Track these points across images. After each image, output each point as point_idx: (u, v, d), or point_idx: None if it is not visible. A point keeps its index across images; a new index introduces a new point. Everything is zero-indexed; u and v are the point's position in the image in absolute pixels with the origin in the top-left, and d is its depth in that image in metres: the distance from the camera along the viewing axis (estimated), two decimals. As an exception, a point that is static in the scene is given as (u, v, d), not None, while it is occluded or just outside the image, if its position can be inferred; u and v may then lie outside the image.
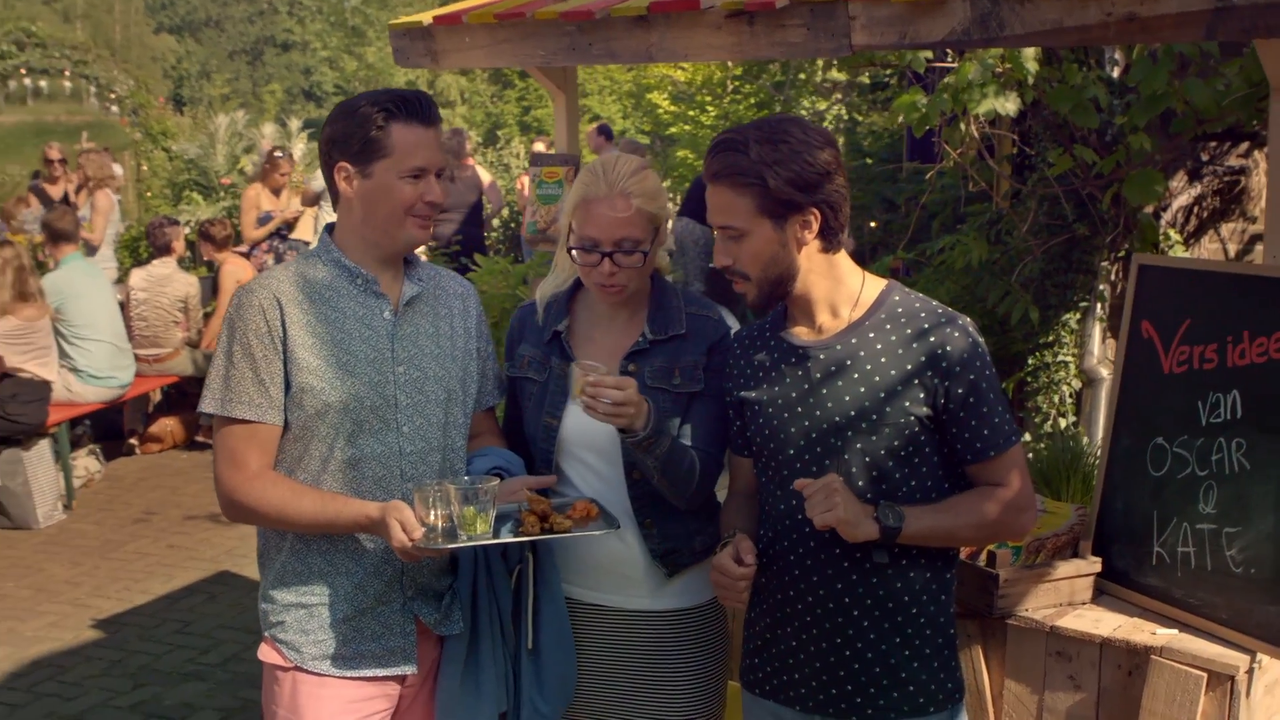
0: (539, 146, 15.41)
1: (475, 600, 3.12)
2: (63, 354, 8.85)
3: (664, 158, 20.66)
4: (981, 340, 2.80)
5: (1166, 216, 5.86)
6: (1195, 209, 6.02)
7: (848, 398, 2.80)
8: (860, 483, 2.80)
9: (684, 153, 19.54)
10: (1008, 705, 3.37)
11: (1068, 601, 3.39)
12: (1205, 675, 3.08)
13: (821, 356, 2.84)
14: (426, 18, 4.26)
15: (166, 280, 9.95)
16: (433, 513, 2.84)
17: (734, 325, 3.21)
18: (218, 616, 6.88)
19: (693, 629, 3.24)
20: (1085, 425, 5.94)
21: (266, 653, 3.12)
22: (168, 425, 10.36)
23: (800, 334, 2.90)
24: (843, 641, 2.85)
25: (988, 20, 3.07)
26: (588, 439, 3.16)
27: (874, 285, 2.89)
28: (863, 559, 2.81)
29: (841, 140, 17.07)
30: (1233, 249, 6.10)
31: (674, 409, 3.14)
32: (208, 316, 10.52)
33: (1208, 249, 6.10)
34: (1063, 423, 5.91)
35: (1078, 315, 5.85)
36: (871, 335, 2.81)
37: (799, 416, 2.86)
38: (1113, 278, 5.90)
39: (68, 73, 19.86)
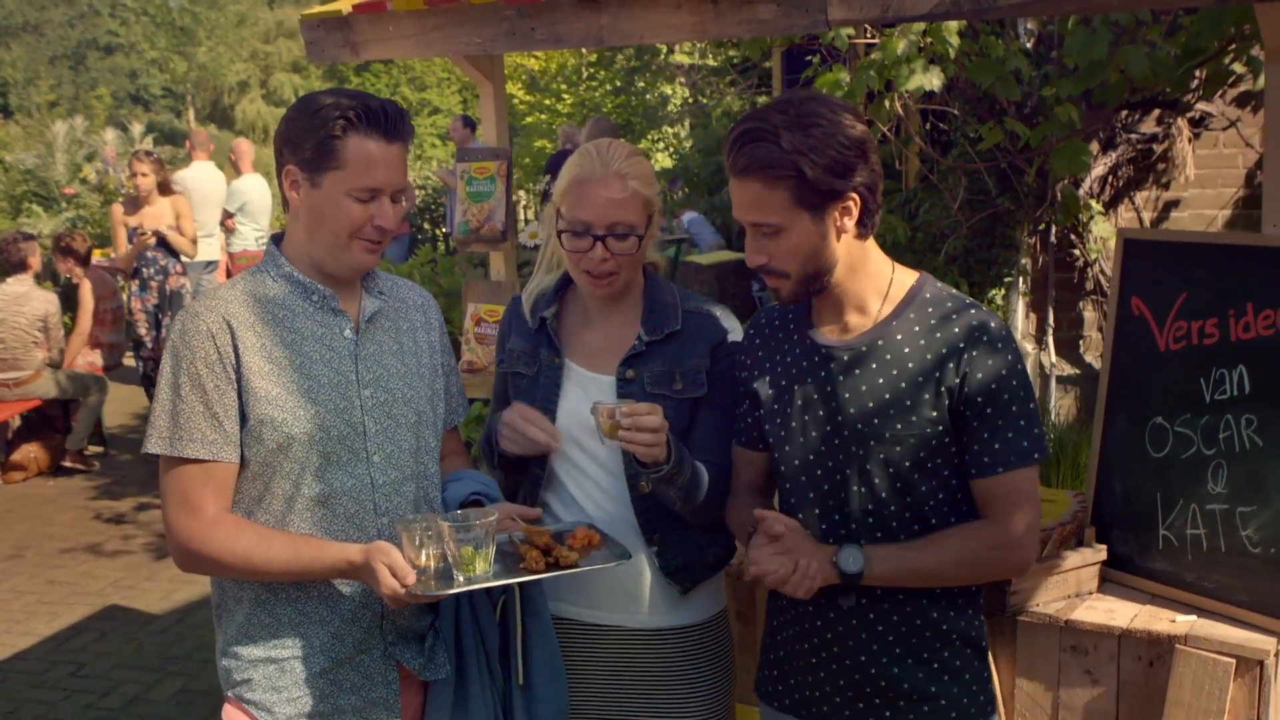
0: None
1: (460, 640, 2.85)
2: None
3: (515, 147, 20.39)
4: (1011, 340, 2.61)
5: (1085, 186, 5.81)
6: (1110, 178, 5.99)
7: (870, 403, 2.60)
8: (883, 494, 2.61)
9: (541, 143, 19.30)
10: (1020, 705, 3.22)
11: (1075, 593, 3.24)
12: (1234, 661, 2.95)
13: (845, 358, 2.64)
14: (345, 5, 3.94)
15: (23, 299, 9.40)
16: (424, 553, 2.58)
17: (733, 327, 3.01)
18: (113, 655, 6.44)
19: (703, 644, 3.06)
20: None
21: (232, 715, 2.79)
22: (30, 452, 9.78)
23: (825, 333, 2.69)
24: (866, 659, 2.67)
25: (981, -11, 2.89)
26: (582, 438, 2.94)
27: (905, 278, 2.69)
28: None
29: (690, 124, 17.01)
30: (1148, 217, 6.09)
31: (677, 417, 2.92)
32: (68, 332, 10.01)
33: (1124, 218, 6.08)
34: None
35: (1002, 291, 5.78)
36: (899, 336, 2.61)
37: (820, 422, 2.66)
38: (1034, 252, 5.85)
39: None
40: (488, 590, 2.82)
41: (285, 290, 2.73)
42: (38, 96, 46.21)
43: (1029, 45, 5.51)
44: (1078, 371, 6.01)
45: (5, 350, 9.28)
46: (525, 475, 3.05)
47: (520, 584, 2.83)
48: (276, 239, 2.82)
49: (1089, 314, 6.03)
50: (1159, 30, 4.75)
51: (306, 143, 2.64)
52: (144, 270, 10.21)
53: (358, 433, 2.72)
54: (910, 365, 2.58)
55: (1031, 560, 2.71)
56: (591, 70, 19.86)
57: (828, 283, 2.63)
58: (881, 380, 2.59)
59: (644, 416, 2.67)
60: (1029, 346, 5.86)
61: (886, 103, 5.20)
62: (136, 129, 20.04)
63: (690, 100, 17.36)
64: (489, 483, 2.94)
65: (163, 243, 10.22)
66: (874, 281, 2.66)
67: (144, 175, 10.31)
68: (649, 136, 18.27)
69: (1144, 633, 3.07)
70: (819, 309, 2.71)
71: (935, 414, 2.56)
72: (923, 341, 2.58)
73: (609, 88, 19.54)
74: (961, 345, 2.55)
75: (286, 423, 2.64)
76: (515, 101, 20.91)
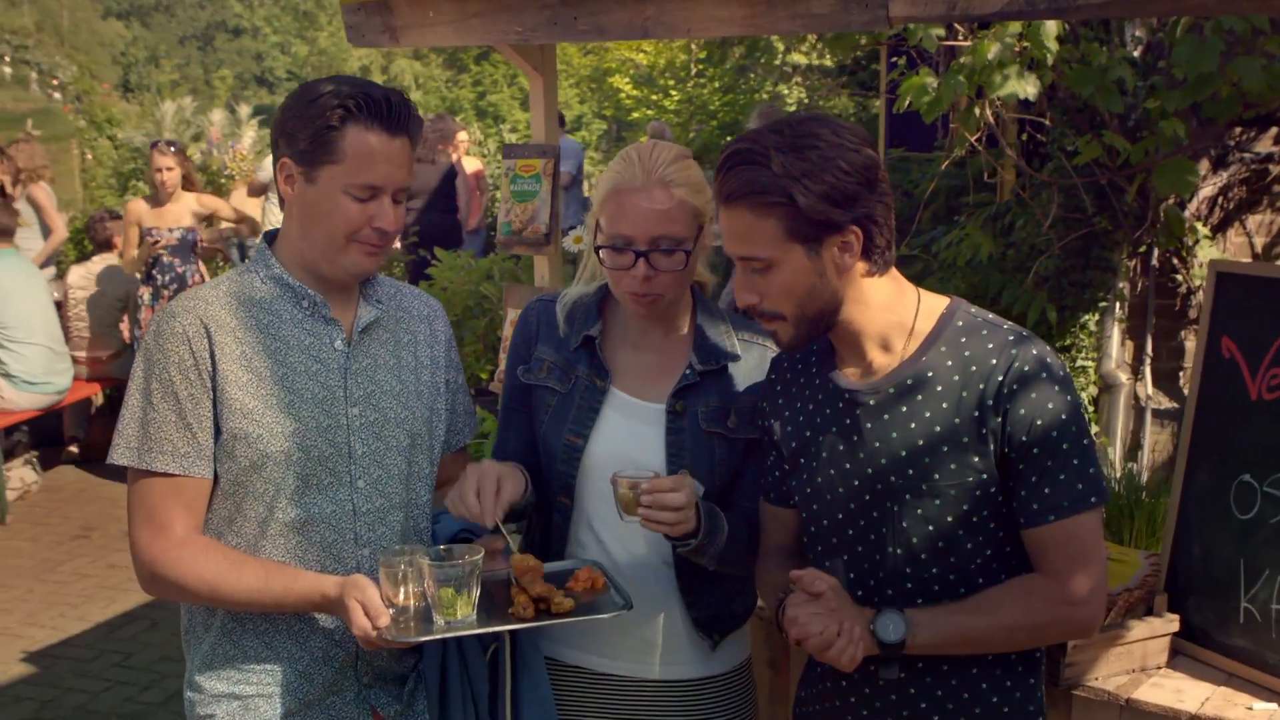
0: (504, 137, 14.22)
1: (445, 686, 2.60)
2: (-2, 360, 8.28)
3: (625, 144, 20.17)
4: (1062, 371, 2.27)
5: (1191, 208, 5.41)
6: (1220, 200, 5.58)
7: (903, 452, 2.29)
8: (922, 554, 2.30)
9: (644, 138, 19.03)
10: (1072, 790, 2.89)
11: (1140, 667, 2.91)
12: (1316, 761, 2.61)
13: (871, 402, 2.33)
14: (384, -12, 3.73)
15: (107, 277, 9.34)
16: (402, 591, 2.34)
17: None
18: (160, 647, 6.32)
19: (730, 694, 2.80)
20: (1105, 434, 5.50)
21: None
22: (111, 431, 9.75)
23: (849, 374, 2.39)
24: None
25: (1057, -15, 2.57)
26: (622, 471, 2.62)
27: (933, 307, 2.36)
28: None
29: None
30: (1260, 242, 5.67)
31: (730, 458, 2.66)
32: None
33: (1234, 243, 5.67)
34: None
35: (1096, 316, 5.41)
36: (930, 374, 2.29)
37: (847, 474, 2.35)
38: (1133, 275, 5.46)
39: (8, 58, 19.11)
40: (479, 636, 2.56)
41: (273, 294, 2.50)
42: (160, 76, 47.07)
43: (1135, 54, 5.13)
44: (1177, 405, 5.62)
45: (86, 329, 9.24)
46: (550, 507, 2.77)
47: (511, 633, 2.57)
48: (270, 237, 2.58)
49: (1191, 344, 5.63)
50: (1278, 41, 4.35)
51: (302, 133, 2.41)
52: (158, 277, 8.97)
53: (341, 454, 2.49)
54: (945, 406, 2.27)
55: (1099, 620, 2.35)
56: (700, 67, 19.57)
57: (835, 322, 2.32)
58: (914, 425, 2.28)
59: (667, 494, 2.41)
60: (1124, 376, 5.47)
61: (976, 110, 4.85)
62: (244, 110, 20.15)
63: (806, 101, 17.01)
64: None
65: (183, 247, 9.00)
66: (896, 315, 2.34)
67: (168, 169, 8.99)
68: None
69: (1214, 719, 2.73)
70: (839, 349, 2.41)
71: (978, 460, 2.25)
72: (957, 377, 2.27)
73: (717, 85, 19.23)
74: (1002, 379, 2.23)
75: (262, 439, 2.41)
76: (622, 96, 20.69)
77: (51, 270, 10.74)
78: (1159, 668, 2.95)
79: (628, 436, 2.64)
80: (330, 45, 47.78)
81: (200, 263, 9.23)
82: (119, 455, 2.44)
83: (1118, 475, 4.37)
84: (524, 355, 2.81)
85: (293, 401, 2.44)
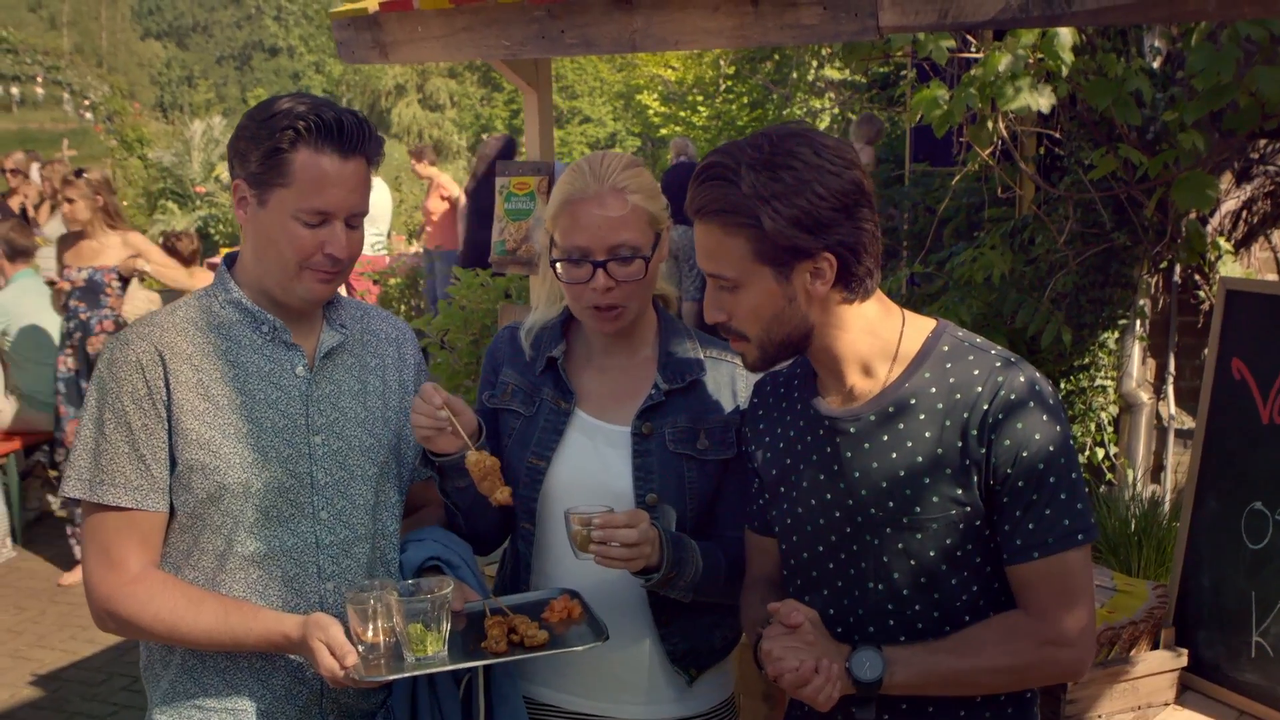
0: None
1: None
2: (10, 379, 8.24)
3: (654, 160, 20.13)
4: (1052, 399, 2.15)
5: (1214, 222, 5.26)
6: (1244, 214, 5.42)
7: (884, 483, 2.17)
8: (904, 590, 2.18)
9: (671, 155, 18.99)
10: (1076, 833, 2.76)
11: (1146, 704, 2.79)
12: (1330, 806, 2.47)
13: (852, 430, 2.21)
14: (372, 4, 3.64)
15: (127, 298, 9.31)
16: (370, 627, 2.24)
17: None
18: (169, 671, 6.25)
19: None
20: (1125, 455, 5.35)
21: None
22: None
23: (829, 401, 2.27)
24: None
25: (1053, -8, 2.46)
26: (583, 495, 2.51)
27: (917, 331, 2.24)
28: None
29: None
30: (1287, 258, 5.52)
31: (703, 482, 2.56)
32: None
33: (1258, 258, 5.51)
34: (1100, 453, 5.31)
35: (1116, 334, 5.26)
36: (913, 400, 2.17)
37: (827, 505, 2.24)
38: (1154, 292, 5.31)
39: (40, 79, 19.22)
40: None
41: (232, 318, 2.42)
42: (196, 96, 47.40)
43: (1154, 65, 4.99)
44: (1200, 425, 5.46)
45: (105, 348, 9.20)
46: (514, 534, 2.67)
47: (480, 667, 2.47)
48: (229, 260, 2.50)
49: (1215, 363, 5.49)
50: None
51: (253, 154, 2.32)
52: (65, 324, 7.98)
53: (304, 485, 2.39)
54: (929, 434, 2.14)
55: (1087, 662, 2.20)
56: (729, 84, 19.49)
57: (806, 347, 2.21)
58: (895, 455, 2.16)
59: (620, 530, 2.31)
60: (1145, 396, 5.32)
61: (990, 124, 4.72)
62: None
63: (840, 116, 16.89)
64: (453, 544, 2.59)
65: (91, 289, 7.82)
66: (879, 340, 2.22)
67: (70, 201, 7.79)
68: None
69: (1224, 760, 2.60)
70: (819, 373, 2.30)
71: (962, 492, 2.13)
72: (941, 405, 2.15)
73: (745, 101, 19.14)
74: (987, 406, 2.11)
75: (219, 470, 2.32)
76: (650, 113, 20.64)
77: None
78: (1166, 704, 2.83)
79: (593, 460, 2.55)
80: (366, 64, 48.08)
81: (119, 306, 8.03)
82: (70, 487, 2.35)
83: (1130, 497, 4.23)
84: (490, 382, 2.73)
85: (251, 430, 2.35)
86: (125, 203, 17.84)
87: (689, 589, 2.46)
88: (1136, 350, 5.29)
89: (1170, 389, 5.46)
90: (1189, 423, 5.50)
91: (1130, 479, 5.15)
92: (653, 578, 2.39)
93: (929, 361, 2.19)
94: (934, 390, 2.16)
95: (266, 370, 2.40)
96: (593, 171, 2.50)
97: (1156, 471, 5.43)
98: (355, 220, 2.37)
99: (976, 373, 2.14)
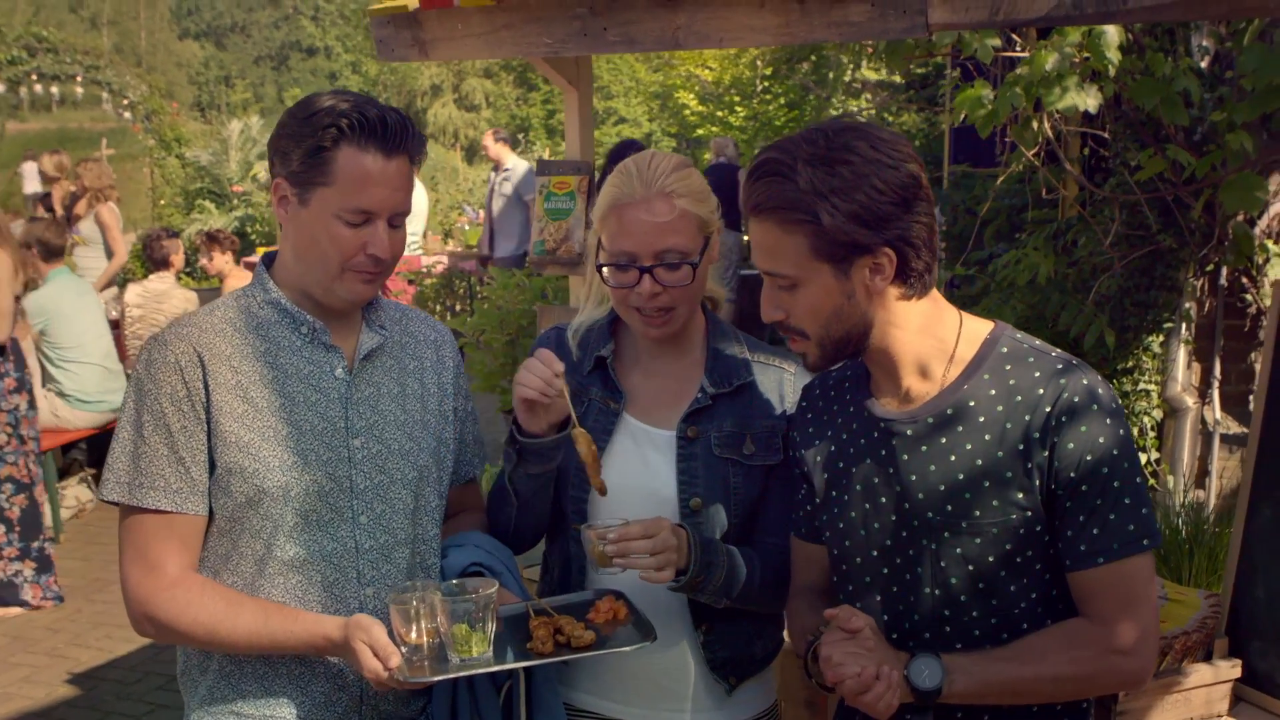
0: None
1: None
2: (49, 377, 8.28)
3: (693, 161, 20.05)
4: (1114, 403, 2.10)
5: (1261, 224, 5.17)
6: (1292, 216, 5.33)
7: (942, 487, 2.13)
8: (961, 596, 2.14)
9: (709, 155, 18.95)
10: (1126, 847, 2.71)
11: (1200, 716, 2.72)
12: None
13: (909, 433, 2.17)
14: (412, 1, 3.61)
15: (163, 296, 9.35)
16: (414, 629, 2.21)
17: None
18: (205, 670, 6.25)
19: None
20: (1169, 461, 5.27)
21: None
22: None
23: (885, 403, 2.23)
24: None
25: (1106, -11, 2.41)
26: (632, 497, 2.50)
27: (975, 332, 2.20)
28: None
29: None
30: (1336, 261, 5.41)
31: (748, 486, 2.52)
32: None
33: (1308, 261, 5.41)
34: (1143, 459, 5.23)
35: (1160, 337, 5.18)
36: (972, 404, 2.13)
37: (882, 509, 2.20)
38: (1200, 295, 5.23)
39: (79, 78, 19.35)
40: (491, 673, 2.42)
41: (271, 319, 2.39)
42: (233, 96, 47.67)
43: (1202, 64, 4.91)
44: (1246, 430, 5.37)
45: (144, 347, 9.24)
46: (565, 537, 2.63)
47: (526, 670, 2.43)
48: (268, 260, 2.47)
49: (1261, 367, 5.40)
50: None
51: (295, 152, 2.29)
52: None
53: (343, 489, 2.36)
54: (988, 438, 2.10)
55: (1150, 670, 2.17)
56: (766, 84, 19.43)
57: (865, 346, 2.17)
58: (954, 458, 2.12)
59: (634, 542, 2.29)
60: (1190, 400, 5.24)
61: (1035, 124, 4.66)
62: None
63: (876, 116, 16.80)
64: (496, 549, 2.55)
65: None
66: (935, 340, 2.18)
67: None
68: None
69: (1280, 775, 2.54)
70: (874, 375, 2.25)
71: (1023, 497, 2.08)
72: (1001, 408, 2.11)
73: (783, 101, 19.09)
74: (1049, 410, 2.07)
75: (258, 474, 2.29)
76: (687, 113, 20.58)
77: (114, 289, 10.80)
78: (1219, 716, 2.77)
79: (638, 464, 2.51)
80: (402, 64, 48.13)
81: None
82: (109, 491, 2.33)
83: (1180, 505, 4.16)
84: None
85: (291, 434, 2.33)
86: (163, 201, 17.96)
87: (719, 593, 2.43)
88: (1182, 354, 5.21)
89: (1215, 393, 5.38)
90: (1234, 428, 5.42)
91: (1176, 485, 5.08)
92: (680, 580, 2.36)
93: (988, 364, 2.15)
94: (994, 393, 2.12)
95: (306, 372, 2.37)
96: (640, 175, 2.46)
97: (1201, 477, 5.35)
98: (398, 220, 2.34)
99: (1038, 375, 2.10)
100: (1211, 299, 5.28)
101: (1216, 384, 5.37)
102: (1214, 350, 5.35)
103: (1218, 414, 5.35)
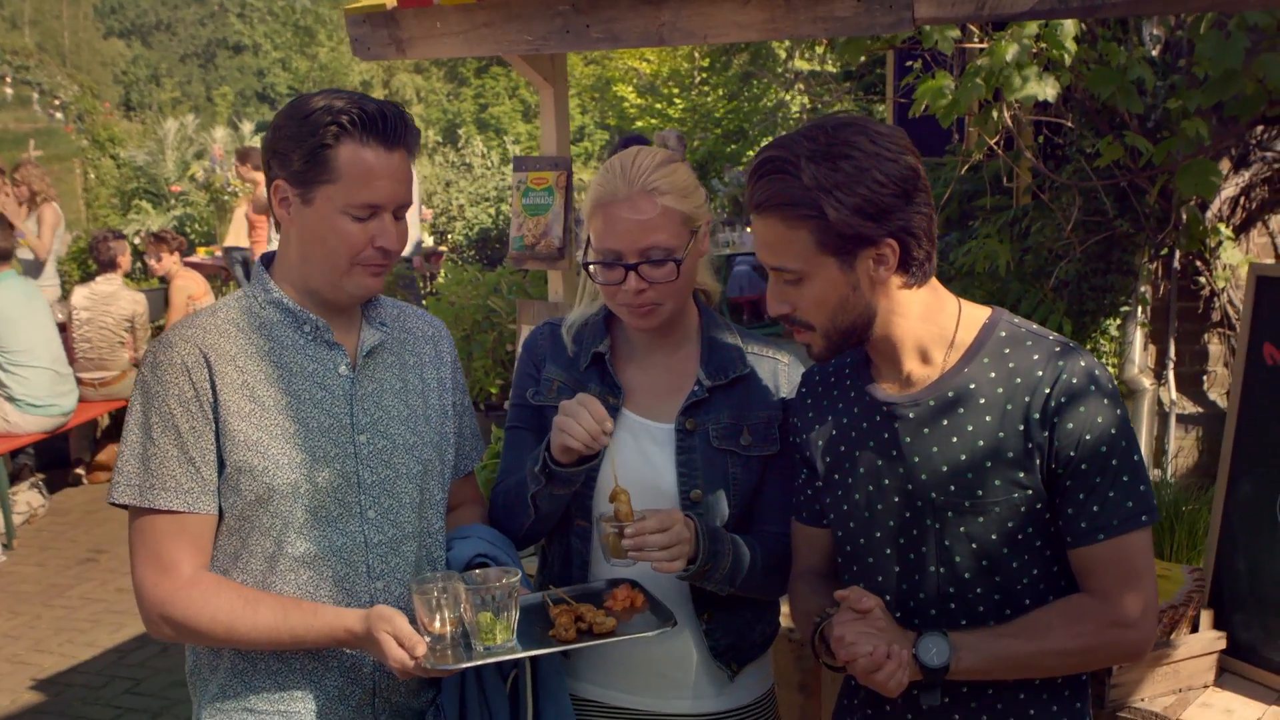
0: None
1: (464, 719, 2.48)
2: (-3, 382, 8.18)
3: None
4: (1110, 383, 2.16)
5: (1213, 209, 5.30)
6: (1242, 200, 5.46)
7: (945, 468, 2.18)
8: (965, 574, 2.19)
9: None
10: (1118, 816, 2.78)
11: (1187, 687, 2.80)
12: (1377, 784, 2.50)
13: (911, 415, 2.22)
14: (390, 0, 3.62)
15: (111, 298, 9.26)
16: (438, 618, 2.23)
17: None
18: (171, 673, 6.22)
19: None
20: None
21: None
22: (116, 452, 9.64)
23: (886, 387, 2.28)
24: None
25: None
26: (635, 493, 2.48)
27: (974, 317, 2.26)
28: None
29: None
30: (1284, 243, 5.56)
31: (746, 477, 2.55)
32: (157, 333, 9.81)
33: (1257, 243, 5.55)
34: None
35: (1117, 321, 5.29)
36: (972, 386, 2.19)
37: (885, 490, 2.25)
38: (1155, 279, 5.35)
39: (9, 79, 19.02)
40: (498, 664, 2.45)
41: (273, 319, 2.39)
42: (162, 94, 47.07)
43: (1154, 53, 5.02)
44: (1200, 410, 5.51)
45: (92, 350, 9.15)
46: (569, 531, 2.65)
47: (535, 658, 2.46)
48: (267, 259, 2.48)
49: (1215, 348, 5.52)
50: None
51: (295, 153, 2.30)
52: None
53: (350, 484, 2.38)
54: (989, 419, 2.16)
55: (1150, 641, 2.22)
56: (704, 75, 19.47)
57: (868, 336, 2.22)
58: (956, 439, 2.18)
59: (650, 536, 2.33)
60: (1147, 382, 5.36)
61: (995, 113, 4.74)
62: (247, 128, 20.08)
63: (809, 108, 16.87)
64: (499, 541, 2.58)
65: None
66: (936, 326, 2.24)
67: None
68: (763, 143, 17.81)
69: (1268, 741, 2.62)
70: (875, 361, 2.31)
71: (1024, 476, 2.14)
72: (1001, 389, 2.16)
73: (722, 93, 19.12)
74: (1049, 391, 2.13)
75: (268, 471, 2.30)
76: (625, 105, 20.56)
77: (56, 291, 10.67)
78: (1206, 687, 2.84)
79: (638, 457, 2.54)
80: (331, 60, 47.80)
81: None
82: (120, 494, 2.32)
83: (1159, 482, 4.26)
84: (533, 378, 2.72)
85: (298, 431, 2.34)
86: (99, 203, 17.71)
87: (725, 581, 2.47)
88: (1138, 337, 5.32)
89: (1171, 374, 5.50)
90: (1190, 407, 5.55)
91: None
92: (689, 570, 2.39)
93: (987, 347, 2.20)
94: (994, 376, 2.17)
95: (310, 370, 2.38)
96: (624, 172, 2.49)
97: (1158, 456, 5.47)
98: (401, 211, 2.37)
99: (1036, 358, 2.16)
100: (1166, 282, 5.40)
101: (1171, 365, 5.49)
102: (1169, 332, 5.47)
103: (1173, 394, 5.47)
